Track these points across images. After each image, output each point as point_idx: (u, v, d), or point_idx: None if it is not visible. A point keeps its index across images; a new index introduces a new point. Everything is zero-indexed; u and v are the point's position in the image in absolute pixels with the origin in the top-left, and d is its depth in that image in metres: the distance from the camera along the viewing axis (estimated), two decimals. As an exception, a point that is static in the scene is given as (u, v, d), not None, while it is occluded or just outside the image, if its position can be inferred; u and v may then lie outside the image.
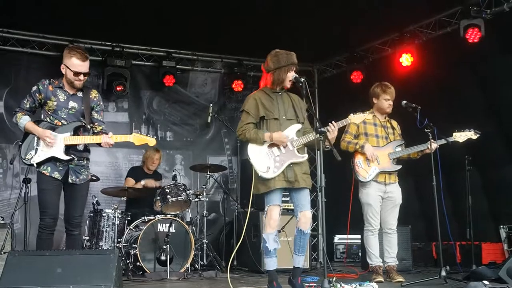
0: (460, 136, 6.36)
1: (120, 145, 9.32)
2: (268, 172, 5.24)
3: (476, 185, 7.95)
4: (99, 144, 5.42)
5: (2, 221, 7.41)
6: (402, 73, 8.66)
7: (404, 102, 6.44)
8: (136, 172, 8.50)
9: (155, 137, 5.63)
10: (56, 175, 5.29)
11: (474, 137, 6.38)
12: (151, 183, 8.23)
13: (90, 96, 5.51)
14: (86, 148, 5.52)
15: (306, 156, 5.37)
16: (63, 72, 5.38)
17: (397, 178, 6.52)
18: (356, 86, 9.51)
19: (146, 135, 5.53)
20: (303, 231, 5.30)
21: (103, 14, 8.16)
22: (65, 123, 5.35)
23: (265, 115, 5.35)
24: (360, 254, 8.61)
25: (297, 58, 5.46)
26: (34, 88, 5.39)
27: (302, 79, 5.26)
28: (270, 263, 5.28)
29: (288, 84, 5.38)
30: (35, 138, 5.30)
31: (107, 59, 9.31)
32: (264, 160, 5.28)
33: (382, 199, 6.43)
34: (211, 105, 8.45)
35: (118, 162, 9.71)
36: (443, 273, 5.82)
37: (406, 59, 8.66)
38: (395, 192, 6.46)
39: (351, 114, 5.55)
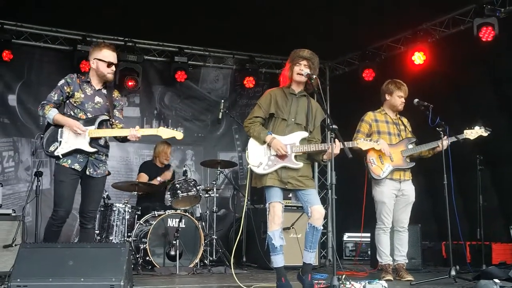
0: (471, 134, 6.32)
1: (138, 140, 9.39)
2: (258, 168, 5.28)
3: (487, 184, 7.90)
4: (123, 140, 5.60)
5: (14, 214, 7.44)
6: (414, 72, 8.62)
7: (416, 100, 6.42)
8: (148, 167, 8.53)
9: (181, 130, 5.70)
10: (77, 166, 5.36)
11: (485, 134, 6.35)
12: (165, 176, 8.26)
13: (113, 95, 5.68)
14: (106, 144, 5.60)
15: (301, 164, 5.32)
16: (94, 67, 5.52)
17: (411, 175, 6.49)
18: (367, 84, 9.49)
19: (173, 129, 5.66)
20: (316, 227, 5.28)
21: (116, 9, 8.18)
22: (90, 116, 5.45)
23: (275, 113, 5.37)
24: (369, 252, 8.58)
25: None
26: (62, 81, 5.48)
27: (314, 76, 5.27)
28: (278, 260, 5.28)
29: (297, 78, 5.37)
30: (59, 130, 5.37)
31: (120, 54, 9.26)
32: (259, 155, 5.32)
33: (396, 197, 6.40)
34: (222, 101, 8.47)
35: (129, 157, 9.75)
36: (453, 273, 5.80)
37: (418, 58, 8.62)
38: (409, 190, 6.44)
39: (359, 140, 5.54)
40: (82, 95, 5.45)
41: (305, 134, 5.38)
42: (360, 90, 9.72)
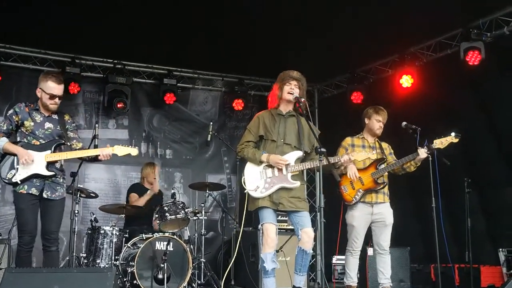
0: (441, 143, 6.34)
1: (118, 162, 9.38)
2: (255, 192, 5.30)
3: (475, 207, 7.93)
4: (93, 159, 5.70)
5: (0, 237, 7.38)
6: (402, 94, 8.68)
7: (404, 123, 6.46)
8: (137, 189, 8.48)
9: (136, 147, 5.81)
10: (34, 191, 5.46)
11: (455, 140, 6.35)
12: (154, 188, 8.22)
13: (65, 119, 5.78)
14: (62, 168, 5.70)
15: (298, 183, 5.35)
16: (39, 96, 5.62)
17: (386, 198, 6.48)
18: (356, 106, 9.52)
19: (133, 147, 5.77)
20: (305, 250, 5.29)
21: (104, 31, 8.20)
22: (43, 142, 5.55)
23: (264, 135, 5.39)
24: (358, 275, 8.54)
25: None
26: (11, 111, 5.63)
27: (303, 99, 5.30)
28: (269, 284, 5.26)
29: (287, 97, 5.41)
30: (15, 158, 5.45)
31: (108, 76, 9.35)
32: (256, 179, 5.34)
33: (372, 222, 6.42)
34: (211, 123, 8.47)
35: (116, 179, 9.71)
36: (442, 296, 5.79)
37: (406, 81, 8.69)
38: (385, 213, 6.42)
39: (354, 152, 5.69)
40: (32, 123, 5.56)
41: (299, 153, 5.39)
42: (348, 113, 9.75)
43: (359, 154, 5.66)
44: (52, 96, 5.52)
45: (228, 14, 7.81)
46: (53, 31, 8.27)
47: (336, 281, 9.62)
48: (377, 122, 6.56)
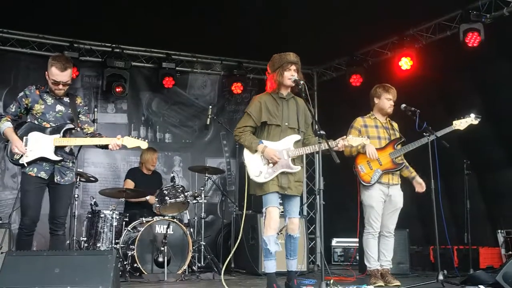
0: (461, 124, 6.27)
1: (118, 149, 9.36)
2: (259, 177, 5.32)
3: (474, 189, 7.95)
4: (102, 147, 5.66)
5: (0, 221, 7.40)
6: (401, 77, 8.66)
7: (403, 105, 6.43)
8: (135, 174, 8.49)
9: (147, 140, 5.76)
10: (43, 175, 5.41)
11: (475, 122, 6.30)
12: (151, 200, 8.16)
13: (76, 102, 5.71)
14: (72, 152, 5.67)
15: (299, 167, 5.41)
16: (47, 79, 5.55)
17: (399, 179, 6.49)
18: (355, 89, 9.52)
19: (139, 138, 5.71)
20: (292, 235, 5.43)
21: (103, 15, 8.16)
22: (53, 125, 5.50)
23: (268, 120, 5.37)
24: (357, 257, 8.59)
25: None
26: (21, 94, 5.58)
27: (302, 82, 5.29)
28: (270, 266, 5.29)
29: (288, 83, 5.41)
30: (24, 139, 5.42)
31: (107, 60, 9.32)
32: (258, 164, 5.34)
33: (384, 202, 6.40)
34: (210, 107, 8.46)
35: (116, 164, 9.71)
36: (441, 277, 5.79)
37: (405, 63, 8.68)
38: (397, 196, 6.41)
39: (350, 136, 5.59)
40: (43, 106, 5.51)
41: (298, 137, 5.42)
42: (347, 96, 9.75)
43: (354, 139, 5.62)
44: (55, 82, 5.46)
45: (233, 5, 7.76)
46: (51, 16, 8.22)
47: (336, 263, 9.69)
48: (387, 100, 6.51)
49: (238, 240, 5.84)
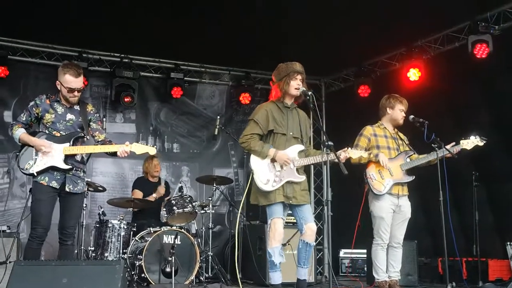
0: (467, 144, 6.33)
1: (126, 156, 9.38)
2: (267, 185, 5.30)
3: (483, 200, 7.91)
4: (112, 154, 5.60)
5: (9, 231, 7.42)
6: (409, 88, 8.65)
7: (412, 116, 6.43)
8: (141, 183, 8.51)
9: (155, 146, 5.76)
10: (54, 184, 5.39)
11: (481, 143, 6.35)
12: (159, 192, 8.21)
13: (87, 110, 5.70)
14: (83, 160, 5.65)
15: (304, 177, 5.42)
16: (59, 88, 5.54)
17: (408, 190, 6.47)
18: (363, 100, 9.52)
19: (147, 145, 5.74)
20: (308, 243, 5.33)
21: (112, 25, 8.21)
22: (64, 134, 5.49)
23: (274, 128, 5.38)
24: (365, 268, 8.55)
25: (305, 71, 5.50)
26: (32, 103, 5.56)
27: (310, 93, 5.31)
28: (276, 277, 5.28)
29: (294, 92, 5.42)
30: (34, 148, 5.40)
31: (116, 70, 9.37)
32: (265, 173, 5.33)
33: (393, 212, 6.37)
34: (218, 117, 8.47)
35: (124, 173, 9.73)
36: (449, 289, 5.78)
37: (413, 74, 8.66)
38: (406, 206, 6.40)
39: (349, 149, 5.61)
40: (53, 115, 5.50)
41: (301, 147, 5.44)
42: (355, 106, 9.74)
43: (353, 151, 5.63)
44: (70, 90, 5.45)
45: (235, 8, 7.79)
46: (60, 26, 8.28)
47: (343, 274, 9.64)
48: (401, 111, 6.51)
49: (236, 251, 5.82)
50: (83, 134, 5.57)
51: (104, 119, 6.21)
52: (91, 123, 5.67)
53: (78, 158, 5.56)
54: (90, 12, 7.94)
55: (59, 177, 5.42)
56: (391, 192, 6.30)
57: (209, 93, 10.58)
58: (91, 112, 5.73)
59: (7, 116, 9.00)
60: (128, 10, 7.86)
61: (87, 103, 5.80)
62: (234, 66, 10.28)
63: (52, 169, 5.38)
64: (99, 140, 5.67)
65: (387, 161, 6.25)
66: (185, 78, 9.96)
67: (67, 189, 5.44)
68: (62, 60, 9.12)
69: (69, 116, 5.57)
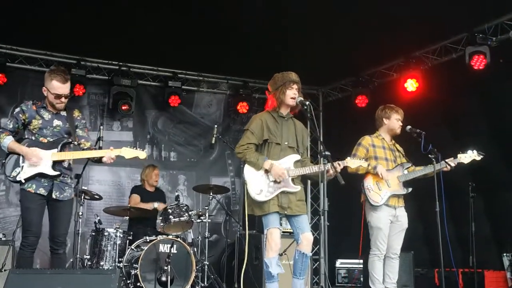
0: (465, 158, 6.35)
1: (123, 164, 9.40)
2: (260, 195, 5.26)
3: (480, 211, 7.91)
4: (97, 160, 5.56)
5: (4, 239, 7.39)
6: (407, 98, 8.66)
7: (409, 127, 6.43)
8: (139, 191, 8.50)
9: (145, 150, 5.77)
10: (42, 191, 5.35)
11: (478, 158, 6.36)
12: (160, 207, 8.18)
13: (74, 115, 5.66)
14: (70, 166, 5.61)
15: (299, 187, 5.38)
16: (45, 95, 5.49)
17: (404, 202, 6.47)
18: (360, 110, 9.53)
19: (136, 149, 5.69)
20: (305, 254, 5.28)
21: (110, 33, 8.22)
22: (51, 140, 5.44)
23: (269, 138, 5.37)
24: (362, 279, 8.54)
25: (302, 81, 5.51)
26: (17, 109, 5.51)
27: (307, 102, 5.30)
28: (273, 288, 5.24)
29: (290, 102, 5.40)
30: (20, 155, 5.35)
31: (114, 78, 9.37)
32: (259, 183, 5.30)
33: (390, 223, 6.36)
34: (216, 126, 8.49)
35: (121, 181, 9.72)
36: (446, 300, 5.76)
37: (411, 85, 8.68)
38: (403, 216, 6.39)
39: (348, 158, 5.62)
40: (40, 121, 5.45)
41: (297, 157, 5.41)
42: (353, 116, 9.75)
43: (352, 161, 5.63)
44: (57, 96, 5.41)
45: (232, 17, 7.81)
46: (59, 33, 8.30)
47: (340, 285, 9.61)
48: (397, 121, 6.50)
49: (244, 264, 5.78)
50: (70, 140, 5.52)
51: (102, 127, 6.17)
52: (77, 130, 5.63)
53: (65, 164, 5.52)
54: (88, 20, 7.95)
55: (46, 184, 5.38)
56: (388, 203, 6.29)
57: (206, 102, 10.59)
58: (78, 118, 5.69)
59: (5, 123, 8.95)
60: (126, 18, 7.87)
61: (73, 109, 5.75)
62: (232, 75, 10.29)
63: (39, 176, 5.34)
64: (85, 147, 5.62)
65: (385, 173, 6.25)
66: (183, 87, 9.97)
67: (53, 196, 5.40)
68: (60, 67, 9.15)
69: (56, 122, 5.52)
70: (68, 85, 5.47)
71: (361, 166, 6.11)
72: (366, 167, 6.21)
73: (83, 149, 5.60)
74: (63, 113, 5.59)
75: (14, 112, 5.51)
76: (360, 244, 6.78)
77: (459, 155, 6.35)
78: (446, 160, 6.28)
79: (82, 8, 7.68)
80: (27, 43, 8.87)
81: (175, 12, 7.83)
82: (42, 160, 5.32)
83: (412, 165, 6.48)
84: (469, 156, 6.36)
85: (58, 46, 8.94)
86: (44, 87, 5.48)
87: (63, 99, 5.46)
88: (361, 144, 6.46)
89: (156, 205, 8.09)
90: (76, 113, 5.71)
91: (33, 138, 5.44)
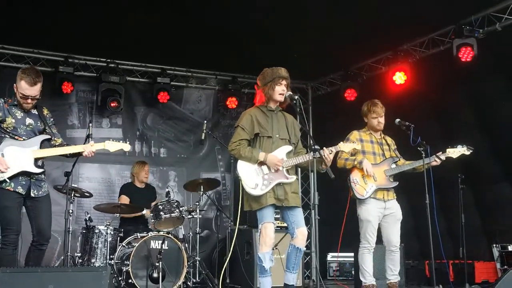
0: (454, 152, 6.37)
1: (112, 161, 9.39)
2: (255, 189, 5.25)
3: (470, 203, 7.97)
4: (72, 155, 5.60)
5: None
6: (395, 91, 8.70)
7: (398, 120, 6.45)
8: (128, 188, 8.47)
9: (128, 142, 5.77)
10: (20, 189, 5.32)
11: (467, 152, 6.39)
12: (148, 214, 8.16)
13: (44, 113, 5.61)
14: (43, 164, 5.58)
15: (294, 177, 5.37)
16: (15, 92, 5.42)
17: (395, 195, 6.48)
18: (350, 103, 9.55)
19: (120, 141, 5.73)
20: (299, 248, 5.29)
21: (98, 30, 8.19)
22: (26, 139, 5.40)
23: (260, 132, 5.37)
24: (353, 272, 8.57)
25: (291, 75, 5.50)
26: None
27: (296, 97, 5.31)
28: (266, 283, 5.24)
29: (278, 98, 5.40)
30: (1, 154, 5.29)
31: (102, 75, 9.34)
32: (253, 177, 5.30)
33: (383, 216, 6.37)
34: (205, 122, 8.46)
35: (111, 178, 9.69)
36: (436, 292, 5.80)
37: (399, 77, 8.70)
38: (395, 207, 6.40)
39: (341, 143, 5.60)
40: (13, 120, 5.39)
41: (289, 148, 5.41)
42: (342, 110, 9.78)
43: (345, 145, 5.64)
44: (23, 97, 5.33)
45: (221, 12, 7.80)
46: (46, 31, 8.25)
47: (331, 278, 9.66)
48: (373, 119, 6.50)
49: (228, 257, 5.77)
50: (49, 136, 5.52)
51: (91, 125, 6.14)
52: (47, 128, 5.58)
53: (40, 162, 5.49)
54: (76, 17, 7.91)
55: (24, 183, 5.35)
56: (375, 197, 6.31)
57: (195, 98, 10.58)
58: (47, 116, 5.64)
59: (-8, 121, 8.92)
60: (114, 15, 7.84)
61: (42, 107, 5.67)
62: (220, 71, 10.28)
63: (21, 174, 5.31)
64: (56, 144, 5.61)
65: (370, 168, 6.27)
66: (172, 83, 9.95)
67: (32, 195, 5.38)
68: (48, 65, 9.12)
69: (28, 120, 5.47)
70: (37, 88, 5.36)
71: (348, 161, 6.13)
72: (353, 162, 6.25)
73: (55, 146, 5.59)
74: (34, 111, 5.54)
75: None
76: (340, 238, 6.82)
77: (448, 150, 6.37)
78: (436, 155, 6.31)
79: (70, 6, 7.63)
80: (14, 41, 8.81)
81: (164, 9, 7.81)
82: (20, 158, 5.28)
83: (400, 159, 6.50)
84: (458, 151, 6.38)
85: (45, 43, 8.90)
86: (14, 84, 5.39)
87: (29, 101, 5.38)
88: (349, 139, 6.46)
89: (144, 212, 8.05)
90: (45, 111, 5.66)
91: (8, 136, 5.36)
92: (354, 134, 6.51)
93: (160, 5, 7.75)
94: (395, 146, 6.67)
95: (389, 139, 6.69)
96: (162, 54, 9.37)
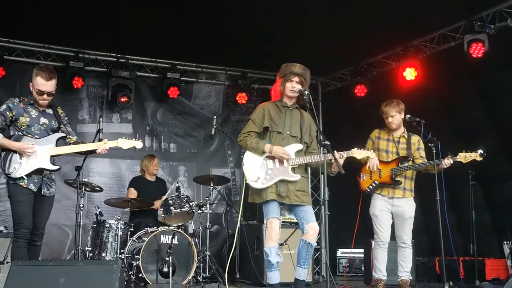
0: (465, 157, 6.35)
1: (123, 156, 9.41)
2: (256, 182, 5.27)
3: (480, 200, 7.94)
4: (86, 152, 5.70)
5: (6, 231, 7.40)
6: (406, 87, 8.66)
7: (408, 116, 6.47)
8: (138, 182, 8.50)
9: (140, 140, 5.85)
10: (32, 187, 5.45)
11: (479, 158, 6.37)
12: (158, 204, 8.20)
13: (59, 112, 5.75)
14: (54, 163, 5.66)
15: (298, 176, 5.35)
16: (31, 90, 5.54)
17: (408, 193, 6.49)
18: (359, 99, 9.52)
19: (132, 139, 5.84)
20: (310, 243, 5.29)
21: (108, 25, 8.20)
22: (38, 138, 5.50)
23: (270, 126, 5.38)
24: (363, 268, 8.56)
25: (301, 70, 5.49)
26: (4, 106, 5.52)
27: (306, 92, 5.29)
28: (274, 277, 5.26)
29: (289, 94, 5.41)
30: (15, 152, 5.40)
31: (112, 70, 9.35)
32: (256, 170, 5.31)
33: (392, 214, 6.47)
34: (215, 117, 8.47)
35: (121, 173, 9.72)
36: (446, 288, 5.81)
37: (410, 73, 8.67)
38: (404, 206, 6.45)
39: (355, 149, 5.59)
40: (28, 119, 5.50)
41: (300, 146, 5.40)
42: (352, 106, 9.76)
43: (358, 152, 5.63)
44: (39, 92, 5.45)
45: (231, 7, 7.79)
46: (57, 26, 8.27)
47: (341, 274, 9.65)
48: (384, 119, 6.60)
49: (232, 251, 5.77)
50: (64, 134, 5.64)
51: (101, 119, 6.18)
52: (62, 126, 5.72)
53: (52, 161, 5.59)
54: (86, 12, 7.93)
55: (36, 180, 5.47)
56: (381, 193, 6.44)
57: (205, 93, 10.58)
58: (62, 115, 5.77)
59: (3, 116, 8.97)
60: (124, 10, 7.84)
61: (57, 106, 5.81)
62: (230, 66, 10.27)
63: (37, 171, 5.42)
64: (71, 142, 5.72)
65: (374, 165, 6.33)
66: (182, 78, 9.94)
67: (42, 193, 5.52)
68: (58, 60, 9.15)
69: (43, 120, 5.59)
70: (52, 83, 5.49)
71: (369, 157, 6.14)
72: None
73: (70, 144, 5.70)
74: (49, 111, 5.67)
75: (1, 110, 5.49)
76: (354, 234, 6.85)
77: (459, 154, 6.35)
78: (445, 160, 6.27)
79: (81, 1, 7.66)
80: (25, 36, 8.84)
81: (173, 5, 7.82)
82: (37, 155, 5.40)
83: (410, 159, 6.51)
84: (470, 155, 6.36)
85: (56, 38, 8.92)
86: (30, 83, 5.52)
87: (45, 96, 5.51)
88: (369, 137, 6.73)
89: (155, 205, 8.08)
90: (60, 110, 5.79)
91: (22, 134, 5.48)
92: (374, 132, 6.74)
93: (171, 3, 7.75)
94: (420, 146, 6.63)
95: (414, 138, 6.66)
96: (172, 49, 9.36)
